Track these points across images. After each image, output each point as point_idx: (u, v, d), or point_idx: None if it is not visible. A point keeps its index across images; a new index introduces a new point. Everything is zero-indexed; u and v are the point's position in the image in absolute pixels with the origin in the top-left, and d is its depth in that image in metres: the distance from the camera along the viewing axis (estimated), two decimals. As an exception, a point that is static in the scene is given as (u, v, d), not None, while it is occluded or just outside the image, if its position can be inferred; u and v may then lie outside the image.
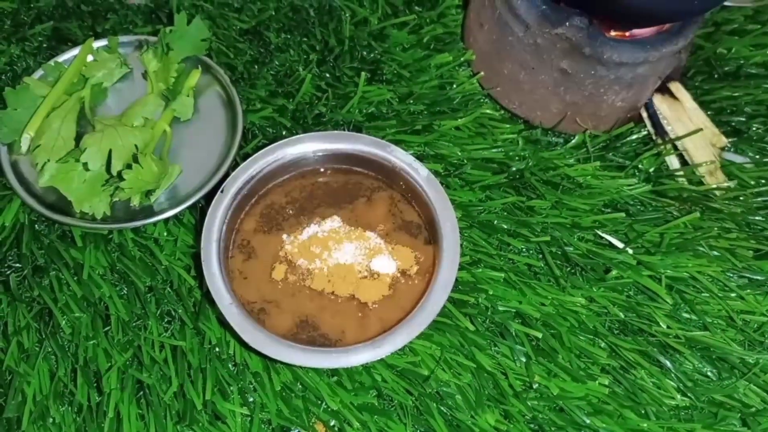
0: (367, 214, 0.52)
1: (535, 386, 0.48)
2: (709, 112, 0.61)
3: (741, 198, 0.58)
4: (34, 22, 0.64)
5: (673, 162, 0.59)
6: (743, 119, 0.63)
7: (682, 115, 0.59)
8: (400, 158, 0.51)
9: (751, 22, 0.69)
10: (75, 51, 0.60)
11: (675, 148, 0.59)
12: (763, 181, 0.59)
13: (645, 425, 0.47)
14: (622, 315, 0.51)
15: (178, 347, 0.49)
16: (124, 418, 0.46)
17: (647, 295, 0.52)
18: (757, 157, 0.61)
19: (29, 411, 0.46)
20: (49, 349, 0.49)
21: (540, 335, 0.50)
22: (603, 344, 0.50)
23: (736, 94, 0.64)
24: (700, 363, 0.50)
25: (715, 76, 0.65)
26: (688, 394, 0.48)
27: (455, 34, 0.64)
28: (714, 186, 0.58)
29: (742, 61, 0.66)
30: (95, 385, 0.47)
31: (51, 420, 0.46)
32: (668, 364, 0.49)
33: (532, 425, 0.47)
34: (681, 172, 0.58)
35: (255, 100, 0.60)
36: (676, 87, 0.59)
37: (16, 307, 0.50)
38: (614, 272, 0.52)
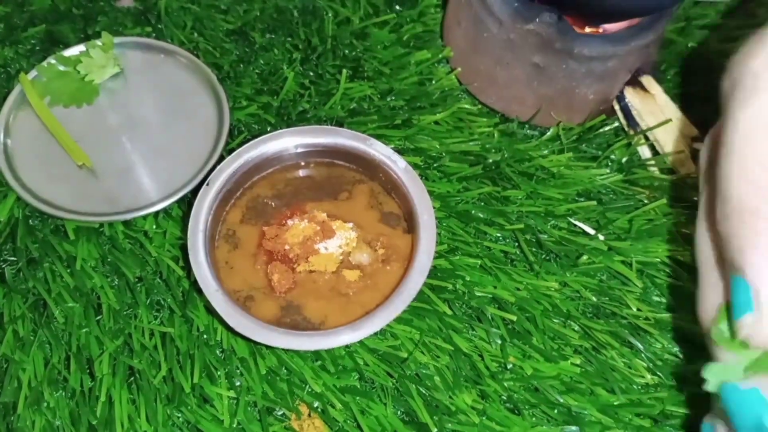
0: (349, 205, 0.54)
1: (510, 367, 0.50)
2: (680, 104, 0.62)
3: (710, 186, 0.60)
4: (27, 25, 0.66)
5: (644, 152, 0.61)
6: (714, 110, 0.65)
7: (654, 108, 0.61)
8: (380, 151, 0.53)
9: (723, 17, 0.71)
10: (68, 52, 0.62)
11: (646, 138, 0.61)
12: (732, 170, 0.61)
13: (615, 402, 0.49)
14: (594, 298, 0.53)
15: (167, 334, 0.51)
16: (115, 402, 0.48)
17: (619, 279, 0.54)
18: (728, 147, 0.63)
19: (24, 396, 0.48)
20: (44, 338, 0.51)
21: (515, 318, 0.52)
22: (576, 326, 0.52)
23: (709, 87, 0.66)
24: (669, 343, 0.52)
25: (688, 69, 0.67)
26: (658, 373, 0.51)
27: (434, 32, 0.66)
28: (684, 174, 0.60)
29: (713, 55, 0.68)
30: (88, 370, 0.49)
31: (45, 404, 0.48)
32: (638, 344, 0.51)
33: (507, 404, 0.49)
34: (652, 162, 0.60)
35: (241, 97, 0.62)
36: (647, 80, 0.61)
37: (11, 297, 0.52)
38: (586, 258, 0.54)
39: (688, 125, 0.61)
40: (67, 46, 0.64)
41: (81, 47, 0.62)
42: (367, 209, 0.54)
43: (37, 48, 0.65)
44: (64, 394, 0.49)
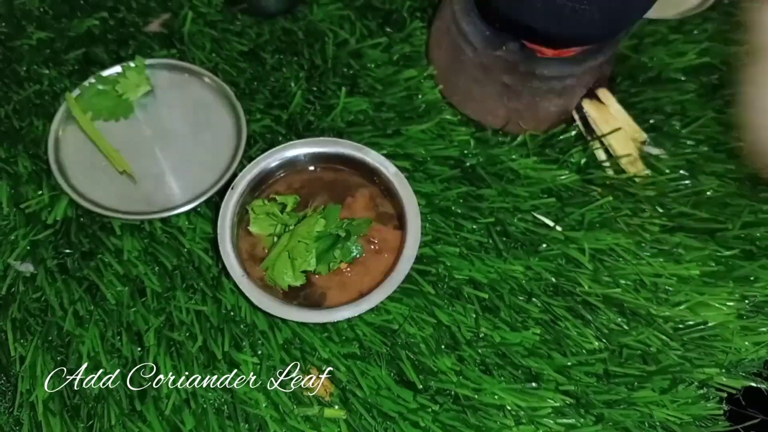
0: (353, 205, 0.64)
1: (482, 336, 0.61)
2: (633, 112, 0.73)
3: (656, 183, 0.70)
4: (68, 48, 0.76)
5: (600, 155, 0.72)
6: (663, 117, 0.75)
7: (608, 116, 0.72)
8: (373, 158, 0.64)
9: (673, 32, 0.81)
10: (106, 72, 0.72)
11: (601, 143, 0.71)
12: (676, 168, 0.72)
13: (568, 363, 0.60)
14: (553, 279, 0.64)
15: (201, 312, 0.61)
16: (161, 367, 0.59)
17: (573, 263, 0.65)
18: (672, 148, 0.73)
19: (85, 364, 0.59)
20: (98, 316, 0.62)
21: (487, 296, 0.62)
22: (537, 302, 0.63)
23: (658, 96, 0.76)
24: (614, 315, 0.63)
25: (640, 81, 0.77)
26: (603, 340, 0.62)
27: (420, 52, 0.77)
28: (633, 174, 0.70)
29: (662, 68, 0.78)
30: (137, 342, 0.60)
31: (102, 371, 0.59)
32: (588, 317, 0.62)
33: (480, 366, 0.60)
34: (606, 164, 0.71)
35: (255, 111, 0.72)
36: (602, 93, 0.72)
37: (69, 283, 0.63)
38: (546, 245, 0.65)
39: (638, 131, 0.72)
40: (102, 66, 0.74)
41: (117, 68, 0.72)
42: (365, 210, 0.64)
43: (77, 68, 0.75)
44: (117, 361, 0.60)
